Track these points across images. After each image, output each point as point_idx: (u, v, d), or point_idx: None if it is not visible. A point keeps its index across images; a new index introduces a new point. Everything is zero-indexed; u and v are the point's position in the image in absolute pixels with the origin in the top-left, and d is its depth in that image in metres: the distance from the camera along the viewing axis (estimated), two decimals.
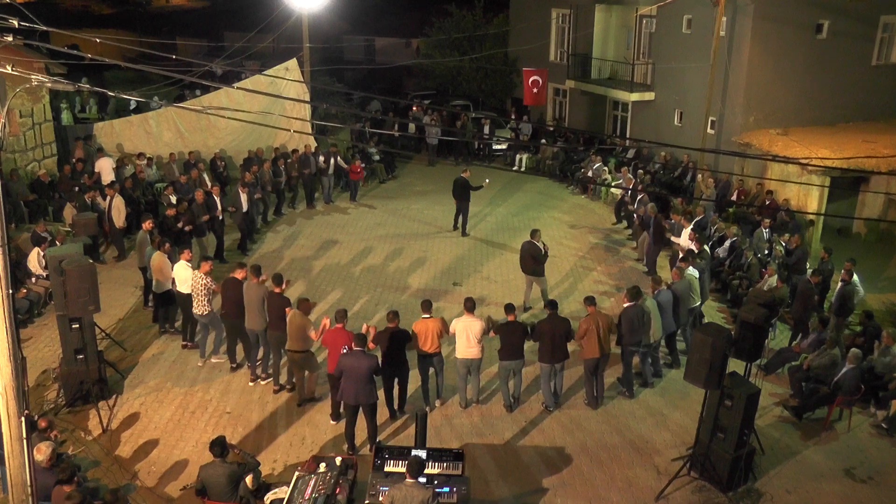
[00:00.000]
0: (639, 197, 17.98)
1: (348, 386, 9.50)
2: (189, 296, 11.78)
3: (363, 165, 21.68)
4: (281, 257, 16.51)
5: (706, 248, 14.39)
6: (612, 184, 20.48)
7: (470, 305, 10.60)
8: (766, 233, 15.78)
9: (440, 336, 10.46)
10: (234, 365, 11.83)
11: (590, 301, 11.02)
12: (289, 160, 19.27)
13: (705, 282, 13.07)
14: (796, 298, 13.12)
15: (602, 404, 11.16)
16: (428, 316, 10.47)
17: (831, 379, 10.95)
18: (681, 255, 13.78)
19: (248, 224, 16.83)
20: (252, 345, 11.45)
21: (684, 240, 14.76)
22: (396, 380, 10.51)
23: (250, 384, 11.43)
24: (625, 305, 11.15)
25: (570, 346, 10.99)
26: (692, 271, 12.57)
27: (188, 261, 12.05)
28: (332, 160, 19.99)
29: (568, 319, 10.98)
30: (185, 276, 11.86)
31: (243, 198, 16.32)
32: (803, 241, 15.32)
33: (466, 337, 10.45)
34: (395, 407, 10.66)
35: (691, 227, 15.03)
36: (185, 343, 12.47)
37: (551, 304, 10.96)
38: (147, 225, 13.40)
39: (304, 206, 19.84)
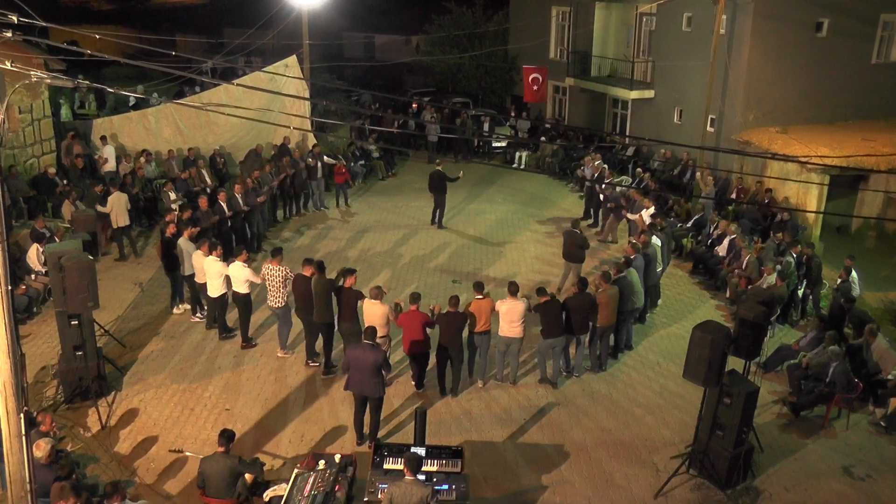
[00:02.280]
0: (602, 186, 18.38)
1: (354, 377, 9.59)
2: (247, 296, 12.01)
3: (361, 163, 21.62)
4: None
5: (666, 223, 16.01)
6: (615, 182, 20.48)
7: (514, 289, 11.16)
8: (774, 245, 15.10)
9: (490, 316, 11.08)
10: (314, 362, 11.92)
11: (606, 277, 11.95)
12: (280, 164, 18.50)
13: (666, 251, 14.50)
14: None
15: (606, 368, 12.15)
16: (481, 297, 11.07)
17: (827, 377, 10.96)
18: (640, 228, 15.25)
19: (249, 228, 16.13)
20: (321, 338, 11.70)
21: (643, 217, 15.88)
22: (450, 362, 10.97)
23: (323, 377, 11.61)
24: (616, 277, 12.16)
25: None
26: (655, 240, 13.90)
27: (245, 261, 12.01)
28: (319, 162, 19.25)
29: (592, 295, 11.66)
30: (241, 277, 11.87)
31: (240, 200, 15.77)
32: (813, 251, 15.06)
33: (511, 319, 11.08)
34: (448, 388, 11.24)
35: (650, 210, 16.13)
36: (244, 344, 12.41)
37: (581, 282, 11.79)
38: (188, 232, 13.04)
39: (294, 214, 19.13)
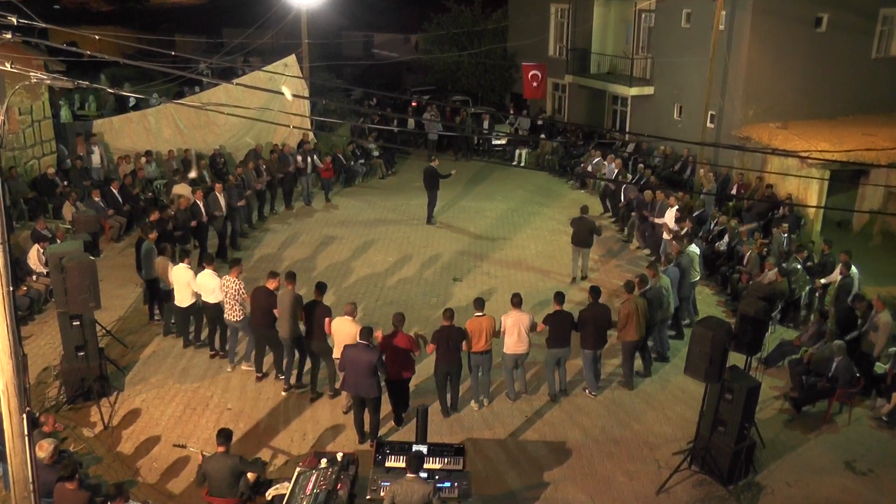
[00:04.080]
0: (623, 186, 18.28)
1: (350, 378, 9.56)
2: (217, 305, 11.58)
3: (361, 162, 21.53)
4: (274, 259, 16.46)
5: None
6: (621, 179, 20.44)
7: (517, 301, 10.70)
8: (784, 237, 15.03)
9: (492, 335, 10.49)
10: (261, 374, 11.50)
11: (629, 287, 11.34)
12: (269, 162, 18.45)
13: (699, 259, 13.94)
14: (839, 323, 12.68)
15: (636, 385, 11.59)
16: (481, 314, 10.46)
17: (829, 372, 10.97)
18: (665, 234, 14.92)
19: (228, 228, 15.95)
20: (284, 353, 11.12)
21: (668, 219, 15.48)
22: (450, 378, 10.49)
23: (283, 393, 11.11)
24: (647, 287, 11.64)
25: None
26: (694, 248, 13.34)
27: (213, 269, 11.68)
28: (308, 159, 19.22)
29: (608, 307, 11.24)
30: (212, 286, 11.50)
31: (221, 200, 15.51)
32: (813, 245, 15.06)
33: (518, 332, 10.58)
34: (448, 405, 10.70)
35: (675, 208, 15.77)
36: (213, 352, 12.08)
37: (594, 292, 11.15)
38: (152, 236, 12.82)
39: (282, 208, 19.09)
